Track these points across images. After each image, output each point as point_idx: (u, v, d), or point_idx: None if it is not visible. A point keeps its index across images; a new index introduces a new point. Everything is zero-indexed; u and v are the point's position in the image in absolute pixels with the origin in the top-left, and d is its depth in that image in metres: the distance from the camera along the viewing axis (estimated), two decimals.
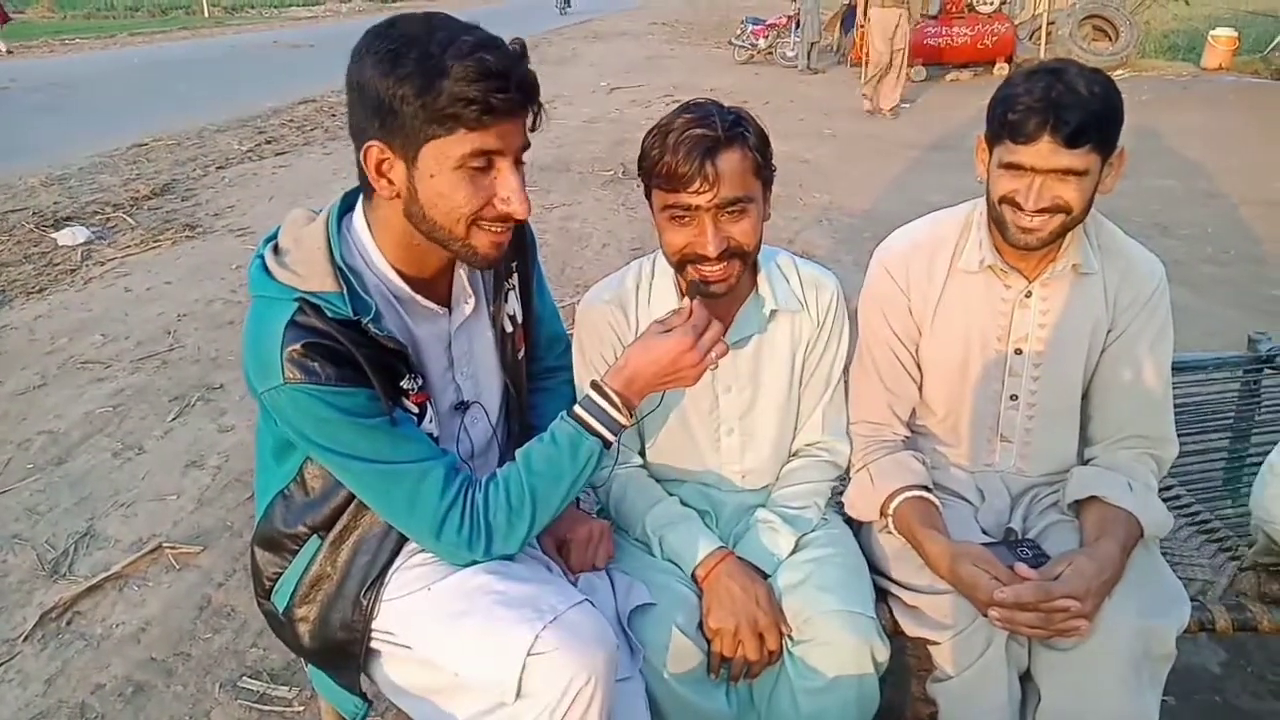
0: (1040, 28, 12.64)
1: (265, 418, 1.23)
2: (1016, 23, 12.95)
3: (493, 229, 1.15)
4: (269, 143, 8.52)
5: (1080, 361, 1.45)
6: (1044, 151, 1.26)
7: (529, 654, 1.08)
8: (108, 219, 5.92)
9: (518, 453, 1.24)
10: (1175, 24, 16.99)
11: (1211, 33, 12.63)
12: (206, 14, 37.30)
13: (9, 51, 19.81)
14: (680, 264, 1.35)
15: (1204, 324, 3.88)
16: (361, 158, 1.10)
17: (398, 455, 1.15)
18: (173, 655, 2.07)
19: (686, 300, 1.24)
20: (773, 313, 1.45)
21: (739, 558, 1.39)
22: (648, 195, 1.37)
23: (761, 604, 1.32)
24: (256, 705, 1.91)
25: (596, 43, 20.95)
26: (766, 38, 15.15)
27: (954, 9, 12.37)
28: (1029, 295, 1.43)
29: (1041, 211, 1.29)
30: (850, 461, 1.53)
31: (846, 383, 1.57)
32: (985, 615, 1.24)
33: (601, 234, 5.46)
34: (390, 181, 1.11)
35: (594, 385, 1.24)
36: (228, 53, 17.95)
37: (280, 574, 1.29)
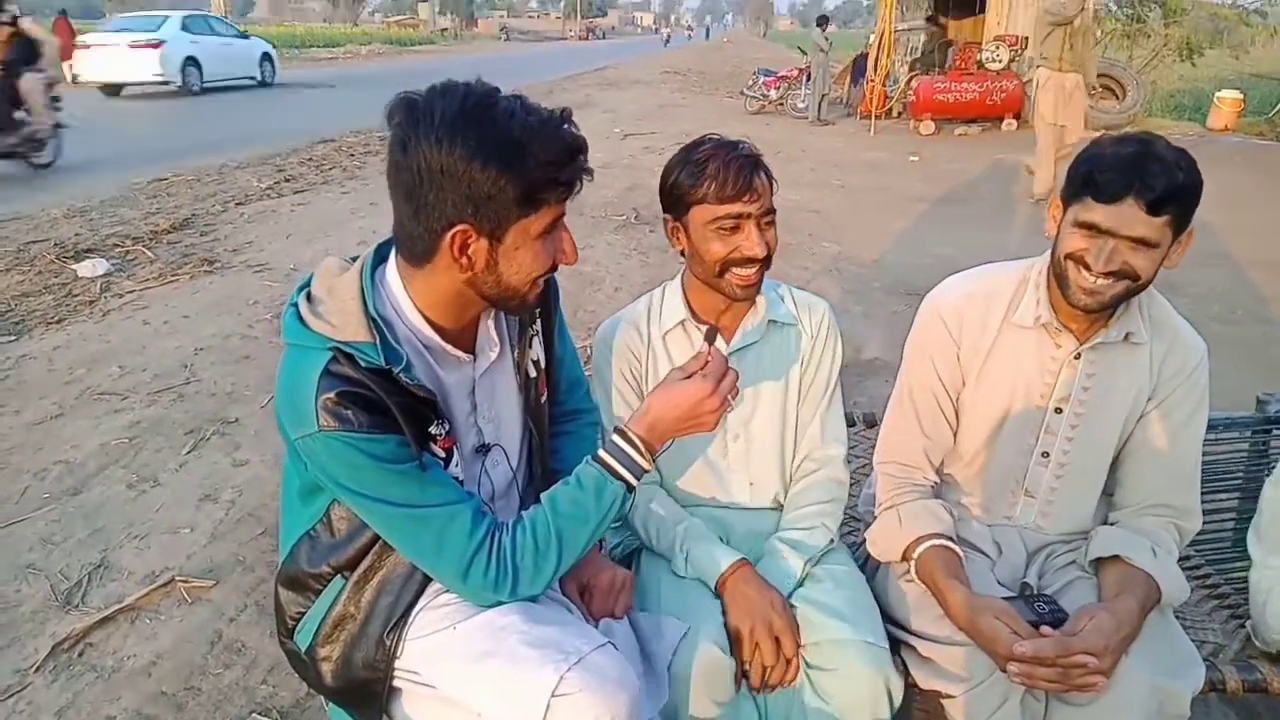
0: None
1: (294, 461, 1.26)
2: (1025, 80, 13.17)
3: (545, 279, 1.23)
4: (288, 180, 8.66)
5: (1117, 428, 1.47)
6: (1125, 216, 1.28)
7: (553, 695, 1.10)
8: (127, 252, 6.01)
9: (544, 496, 1.27)
10: (1181, 84, 17.27)
11: (1217, 94, 12.86)
12: None
13: (74, 81, 19.90)
14: (721, 271, 1.47)
15: (1212, 384, 3.89)
16: (446, 239, 1.13)
17: (426, 499, 1.18)
18: (183, 689, 2.07)
19: (705, 346, 1.29)
20: (771, 324, 1.58)
21: (752, 569, 1.46)
22: (680, 216, 1.50)
23: (776, 608, 1.38)
24: None
25: (611, 90, 21.33)
26: (778, 89, 15.45)
27: (963, 65, 12.61)
28: (1078, 357, 1.45)
29: (1108, 275, 1.31)
30: (876, 497, 1.59)
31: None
32: (1003, 670, 1.25)
33: (614, 277, 5.53)
34: (470, 258, 1.15)
35: (618, 431, 1.28)
36: (247, 94, 18.26)
37: (303, 613, 1.31)
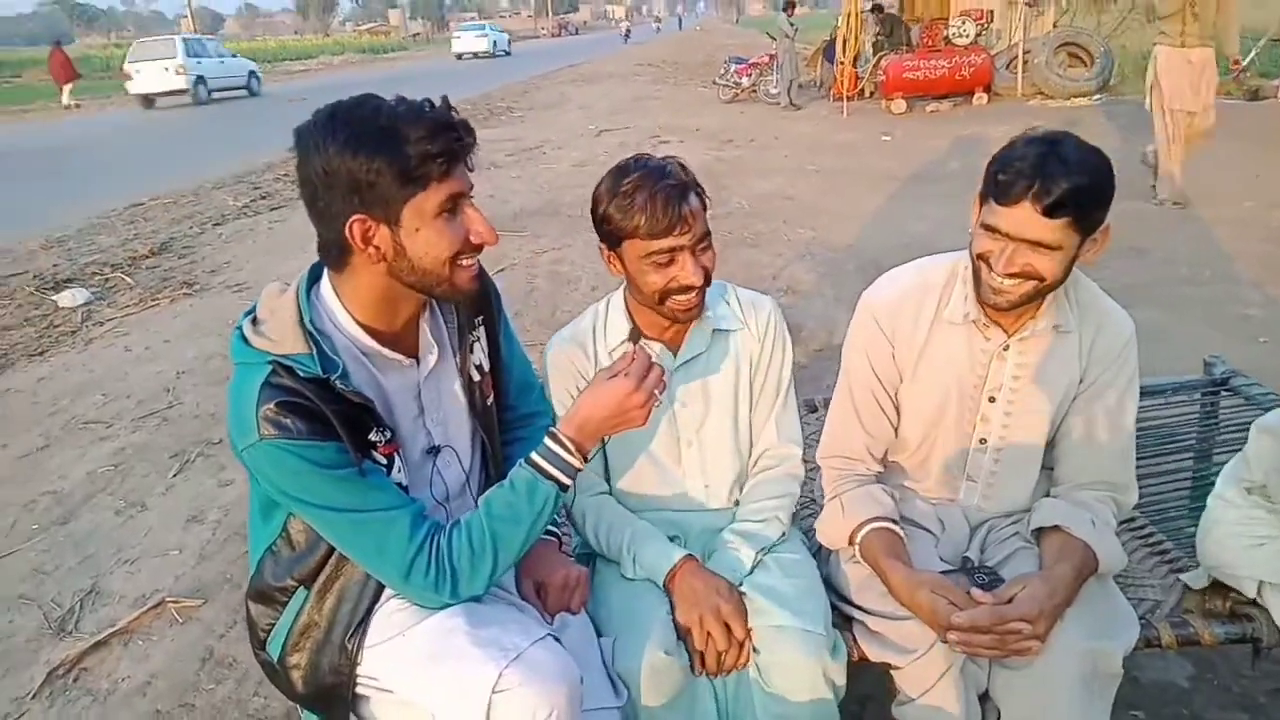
0: (1017, 57, 12.90)
1: (252, 478, 1.32)
2: (993, 53, 13.23)
3: (468, 263, 1.27)
4: (264, 198, 8.70)
5: (1049, 412, 1.52)
6: (1021, 219, 1.29)
7: (494, 691, 1.15)
8: (107, 279, 6.05)
9: (480, 499, 1.32)
10: (1154, 45, 17.32)
11: None
12: None
13: (77, 106, 22.41)
14: (662, 299, 1.49)
15: (1178, 344, 3.96)
16: (346, 233, 1.18)
17: (366, 504, 1.23)
18: (178, 707, 2.13)
19: (629, 345, 1.33)
20: (715, 331, 1.60)
21: (698, 562, 1.50)
22: (614, 247, 1.49)
23: (722, 594, 1.43)
24: None
25: (585, 85, 21.31)
26: (750, 76, 15.46)
27: (931, 42, 12.66)
28: (1006, 349, 1.50)
29: (1012, 276, 1.34)
30: (823, 488, 1.63)
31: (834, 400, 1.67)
32: (944, 640, 1.32)
33: (590, 276, 5.58)
34: (377, 247, 1.20)
35: (549, 433, 1.33)
36: (219, 111, 18.26)
37: (273, 625, 1.37)
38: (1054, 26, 14.37)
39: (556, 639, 1.28)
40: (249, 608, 1.40)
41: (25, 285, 5.90)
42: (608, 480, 1.68)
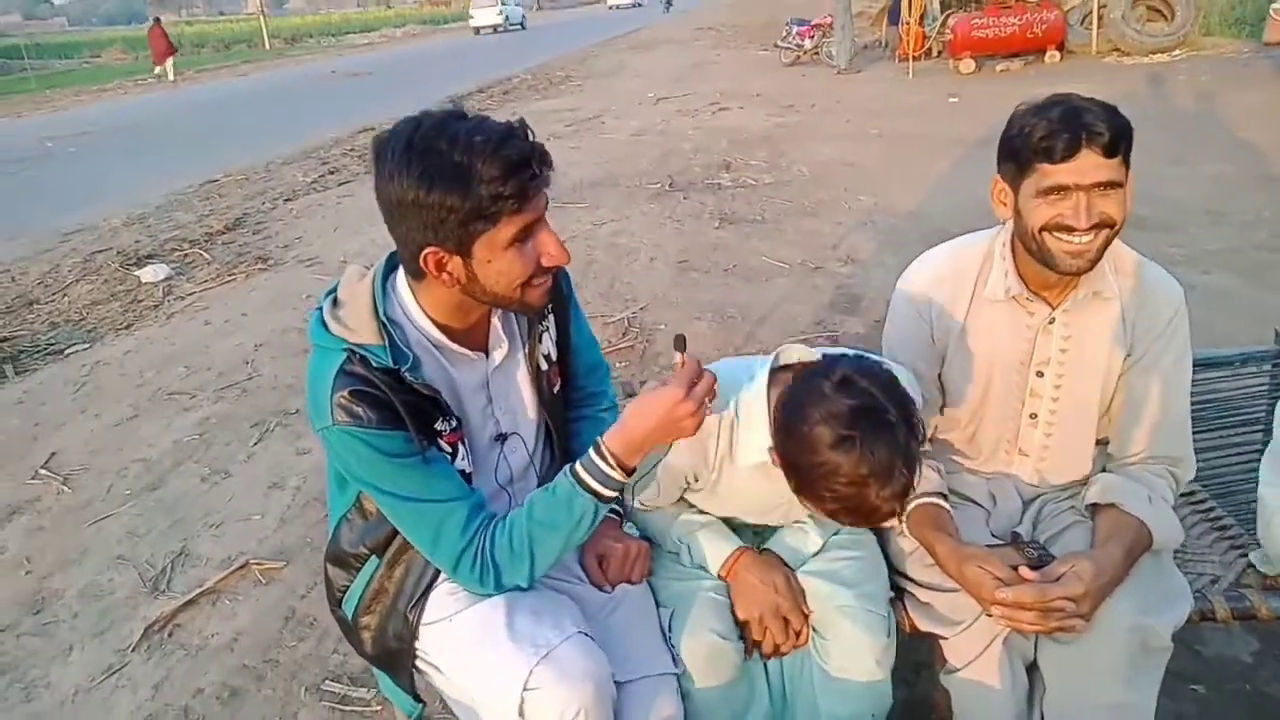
0: (1091, 12, 12.38)
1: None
2: (1067, 8, 12.72)
3: (541, 283, 1.29)
4: (332, 173, 8.91)
5: (1099, 384, 1.51)
6: (1086, 166, 1.29)
7: (524, 689, 1.23)
8: (185, 255, 6.30)
9: (528, 497, 1.36)
10: None
11: (1273, 5, 12.20)
12: (268, 46, 38.70)
13: (179, 80, 23.89)
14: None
15: (1255, 311, 3.84)
16: (421, 263, 1.22)
17: (427, 493, 1.29)
18: (262, 662, 2.28)
19: (679, 355, 1.28)
20: None
21: (755, 552, 1.52)
22: (794, 482, 1.31)
23: (780, 590, 1.45)
24: (338, 706, 2.11)
25: (643, 53, 21.18)
26: (813, 38, 15.18)
27: None
28: (1052, 322, 1.49)
29: (1090, 229, 1.31)
30: None
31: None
32: (988, 613, 1.35)
33: (649, 248, 5.62)
34: (450, 274, 1.24)
35: (595, 444, 1.31)
36: (289, 84, 18.68)
37: (348, 587, 1.46)
38: None
39: (588, 634, 1.32)
40: (327, 569, 1.49)
41: (110, 261, 6.18)
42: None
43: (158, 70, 23.94)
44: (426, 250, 1.21)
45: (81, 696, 2.22)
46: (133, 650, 2.35)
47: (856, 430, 1.20)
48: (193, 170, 9.39)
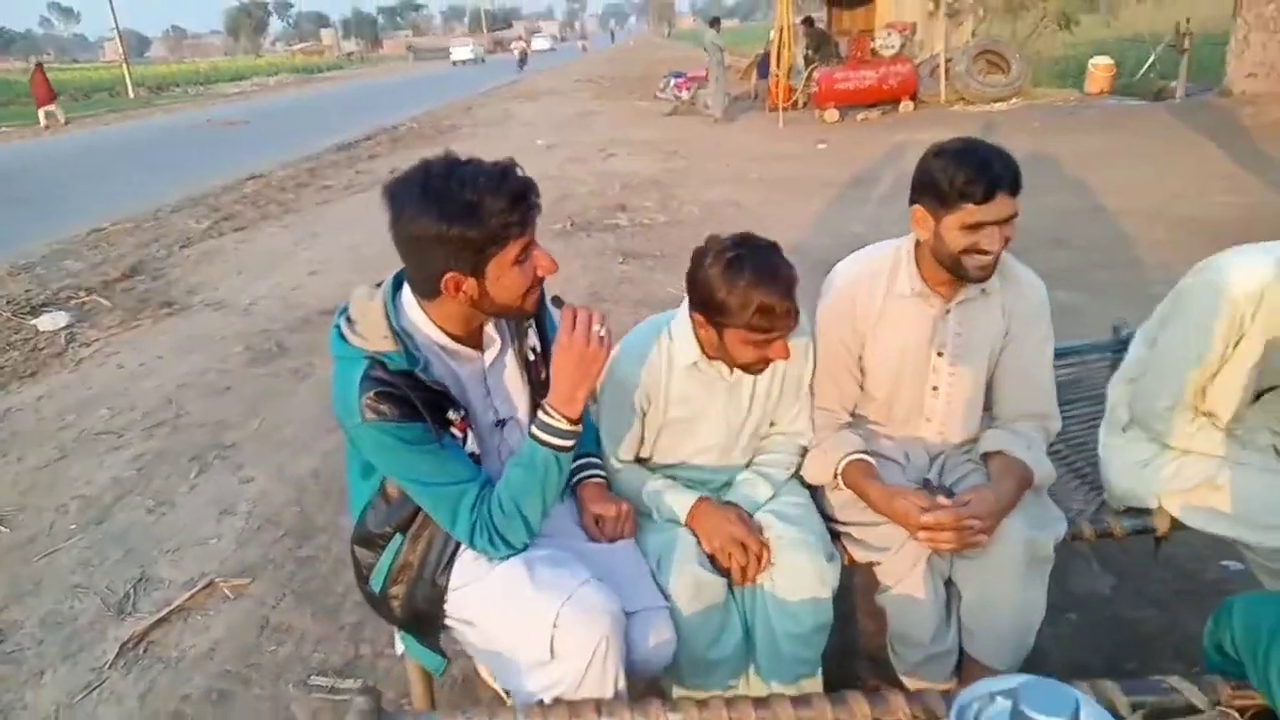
0: (939, 65, 13.62)
1: (351, 447, 1.62)
2: (917, 63, 13.94)
3: (535, 291, 1.56)
4: (226, 219, 8.82)
5: (985, 360, 1.90)
6: (1000, 206, 1.64)
7: (554, 627, 1.48)
8: (83, 303, 6.17)
9: (508, 463, 1.60)
10: (1066, 50, 18.36)
11: (1091, 61, 13.78)
12: (132, 95, 37.15)
13: (65, 123, 23.63)
14: (746, 367, 1.76)
15: (1096, 321, 4.45)
16: (440, 285, 1.47)
17: (444, 477, 1.52)
18: (245, 667, 2.40)
19: (557, 310, 1.54)
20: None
21: (710, 500, 1.83)
22: (718, 324, 1.69)
23: (734, 521, 1.75)
24: (329, 696, 2.26)
25: (527, 103, 21.62)
26: (689, 90, 15.95)
27: (859, 54, 13.32)
28: (948, 312, 1.86)
29: (995, 251, 1.67)
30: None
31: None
32: (915, 537, 1.69)
33: (559, 282, 5.82)
34: (465, 293, 1.49)
35: (541, 405, 1.55)
36: (164, 134, 18.13)
37: (374, 564, 1.67)
38: (972, 35, 15.22)
39: (599, 580, 1.58)
40: (354, 550, 1.69)
41: (1, 311, 5.99)
42: (640, 460, 1.96)
43: (43, 114, 23.12)
44: (447, 276, 1.45)
45: (64, 712, 2.28)
46: (109, 668, 2.42)
47: (739, 250, 1.65)
48: (72, 220, 9.09)
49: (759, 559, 1.75)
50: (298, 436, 3.84)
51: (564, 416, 1.53)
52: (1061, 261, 5.60)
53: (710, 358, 1.82)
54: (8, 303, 6.16)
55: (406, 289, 1.59)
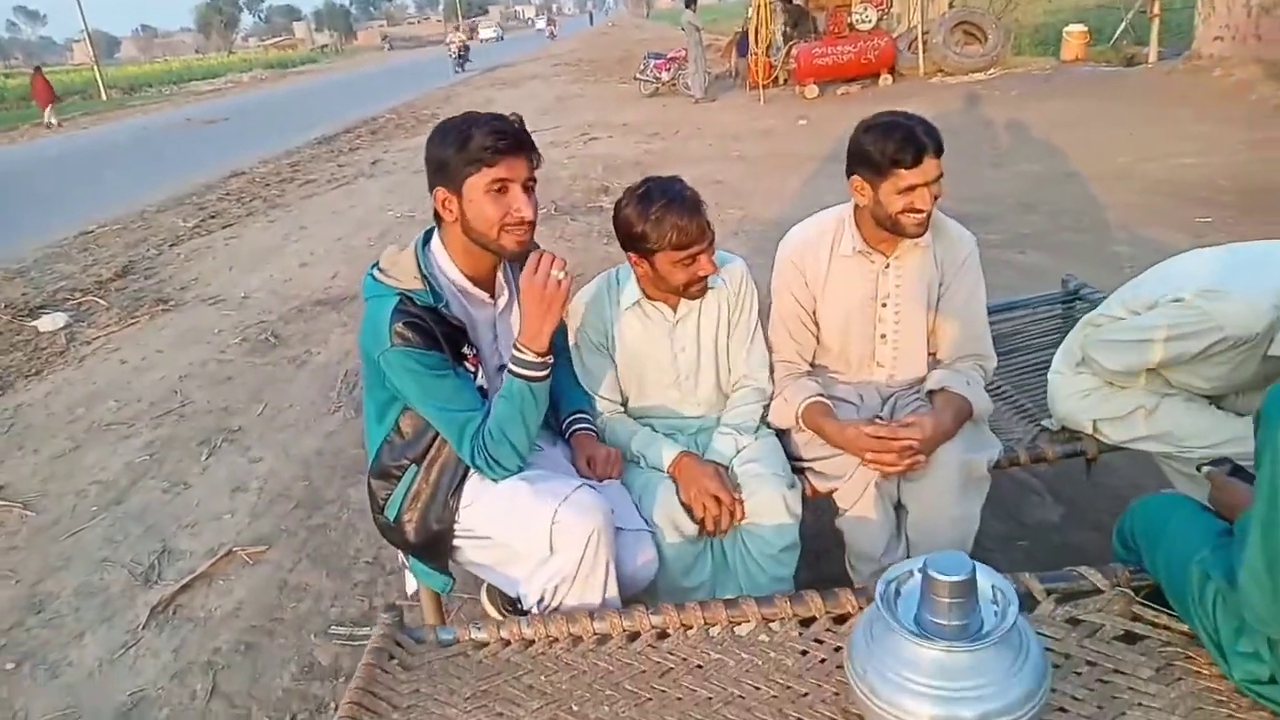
0: (916, 39, 13.76)
1: (370, 389, 1.84)
2: (895, 36, 14.07)
3: (515, 232, 1.75)
4: (213, 217, 8.96)
5: (924, 307, 2.10)
6: (928, 169, 1.86)
7: (552, 524, 1.70)
8: (80, 303, 6.33)
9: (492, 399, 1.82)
10: (1046, 17, 18.50)
11: (1066, 28, 13.92)
12: (105, 96, 36.95)
13: (59, 125, 24.48)
14: (685, 288, 1.98)
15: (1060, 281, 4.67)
16: (436, 202, 1.74)
17: (455, 404, 1.74)
18: (269, 621, 2.60)
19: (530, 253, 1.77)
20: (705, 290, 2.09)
21: (692, 455, 2.03)
22: (646, 255, 1.94)
23: (710, 475, 1.95)
24: (348, 642, 2.46)
25: (507, 89, 21.67)
26: (669, 71, 16.05)
27: (836, 29, 13.43)
28: (888, 267, 2.08)
29: (927, 209, 1.91)
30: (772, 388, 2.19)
31: (765, 332, 2.22)
32: (864, 462, 1.90)
33: None
34: (450, 211, 1.74)
35: (514, 344, 1.75)
36: (143, 135, 18.16)
37: (389, 495, 1.87)
38: (949, 7, 15.28)
39: (592, 487, 1.81)
40: (370, 484, 1.90)
41: None
42: (625, 404, 2.20)
43: (47, 116, 24.19)
44: (437, 189, 1.73)
45: (106, 667, 2.48)
46: (143, 628, 2.63)
47: (647, 185, 1.94)
48: (60, 223, 9.21)
49: (731, 513, 1.94)
50: (300, 419, 4.03)
51: (532, 350, 1.73)
52: (1032, 225, 5.81)
53: (651, 299, 2.06)
54: (6, 306, 6.31)
55: (435, 239, 1.83)
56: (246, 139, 15.92)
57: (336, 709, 2.20)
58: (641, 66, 16.87)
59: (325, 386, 4.37)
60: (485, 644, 1.65)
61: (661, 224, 1.88)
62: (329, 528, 3.09)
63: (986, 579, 1.31)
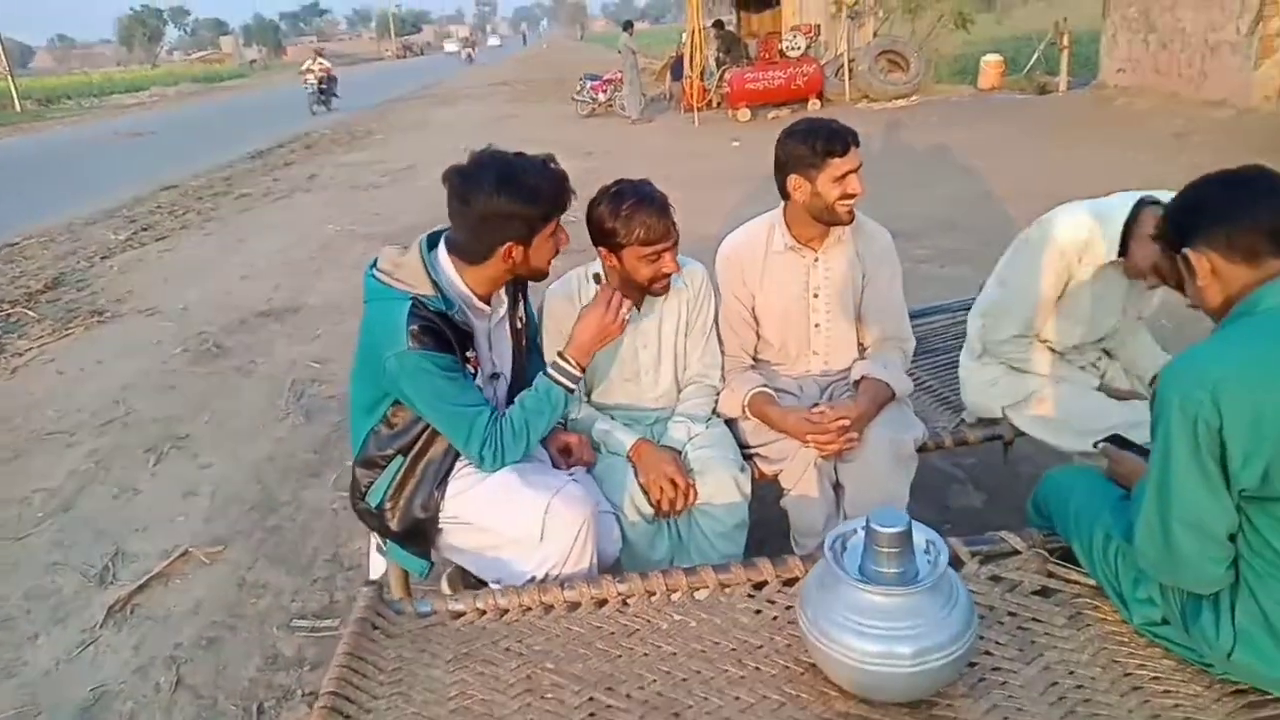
0: (843, 66, 14.30)
1: (360, 383, 1.95)
2: (823, 63, 14.60)
3: (553, 259, 1.94)
4: (145, 229, 8.81)
5: (851, 298, 2.31)
6: (854, 156, 2.09)
7: (545, 513, 1.84)
8: (8, 315, 6.18)
9: (517, 397, 1.99)
10: (963, 48, 19.40)
11: (983, 58, 14.66)
12: (19, 108, 35.59)
13: None
14: (650, 284, 2.12)
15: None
16: (500, 252, 1.84)
17: (464, 400, 1.87)
18: (230, 617, 2.65)
19: (598, 285, 1.98)
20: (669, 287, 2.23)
21: (649, 442, 2.18)
22: (615, 251, 2.08)
23: (666, 461, 2.10)
24: (312, 635, 2.53)
25: (443, 107, 21.66)
26: (605, 92, 16.31)
27: (767, 55, 13.87)
28: (817, 260, 2.28)
29: (857, 193, 2.12)
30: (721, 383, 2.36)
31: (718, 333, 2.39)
32: (805, 444, 2.08)
33: None
34: (514, 259, 1.86)
35: (559, 354, 1.99)
36: (67, 148, 17.62)
37: (373, 483, 1.97)
38: (874, 36, 15.93)
39: (578, 482, 1.96)
40: (355, 472, 2.00)
41: None
42: (589, 396, 2.34)
43: None
44: (509, 244, 1.83)
45: (65, 665, 2.50)
46: (101, 627, 2.64)
47: (619, 186, 2.09)
48: None
49: (685, 496, 2.09)
50: (249, 426, 4.05)
51: (576, 364, 1.94)
52: (954, 242, 6.15)
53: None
54: None
55: (441, 250, 1.93)
56: (177, 153, 15.60)
57: (304, 695, 2.29)
58: (578, 88, 17.09)
59: (273, 394, 4.39)
60: (462, 614, 1.77)
61: (631, 220, 2.03)
62: (285, 529, 3.13)
63: (921, 534, 1.49)
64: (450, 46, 78.49)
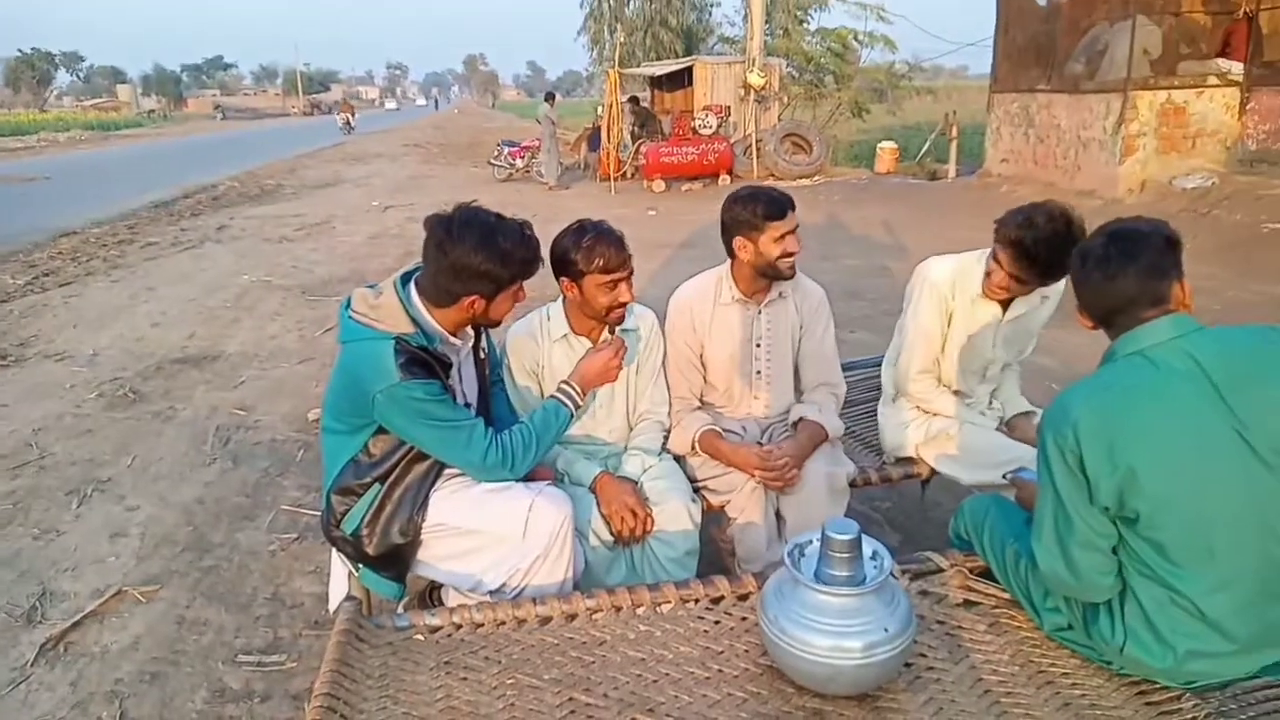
0: (751, 145, 15.07)
1: (338, 413, 2.05)
2: (733, 141, 15.36)
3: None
4: (46, 275, 8.51)
5: (790, 346, 2.56)
6: (791, 219, 2.35)
7: (529, 512, 1.99)
8: None
9: (525, 415, 2.18)
10: (859, 135, 20.74)
11: (879, 145, 15.71)
12: None
13: None
14: (606, 313, 2.31)
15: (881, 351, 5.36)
16: (465, 303, 2.00)
17: (457, 417, 2.02)
18: (171, 653, 2.63)
19: (610, 334, 2.27)
20: (620, 331, 2.43)
21: (610, 474, 2.35)
22: (575, 280, 2.27)
23: (627, 492, 2.28)
24: (258, 669, 2.54)
25: (356, 165, 21.61)
26: (523, 158, 16.66)
27: (681, 131, 14.52)
28: (760, 313, 2.52)
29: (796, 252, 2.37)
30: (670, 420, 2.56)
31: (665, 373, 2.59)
32: (753, 477, 2.29)
33: None
34: (475, 311, 2.02)
35: (565, 382, 2.21)
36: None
37: (348, 510, 2.06)
38: (779, 119, 16.89)
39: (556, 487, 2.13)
40: (330, 499, 2.09)
41: None
42: None
43: None
44: (472, 296, 1.99)
45: None
46: (31, 665, 2.58)
47: (581, 222, 2.30)
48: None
49: (644, 525, 2.26)
50: (174, 470, 3.99)
51: (581, 393, 2.23)
52: (857, 310, 6.57)
53: (576, 333, 2.39)
54: None
55: (414, 291, 2.06)
56: (74, 199, 15.05)
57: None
58: (495, 152, 17.40)
59: (197, 440, 4.34)
60: (439, 628, 1.87)
61: (591, 251, 2.23)
62: (222, 568, 3.12)
63: (868, 544, 1.69)
64: (390, 104, 76.64)
